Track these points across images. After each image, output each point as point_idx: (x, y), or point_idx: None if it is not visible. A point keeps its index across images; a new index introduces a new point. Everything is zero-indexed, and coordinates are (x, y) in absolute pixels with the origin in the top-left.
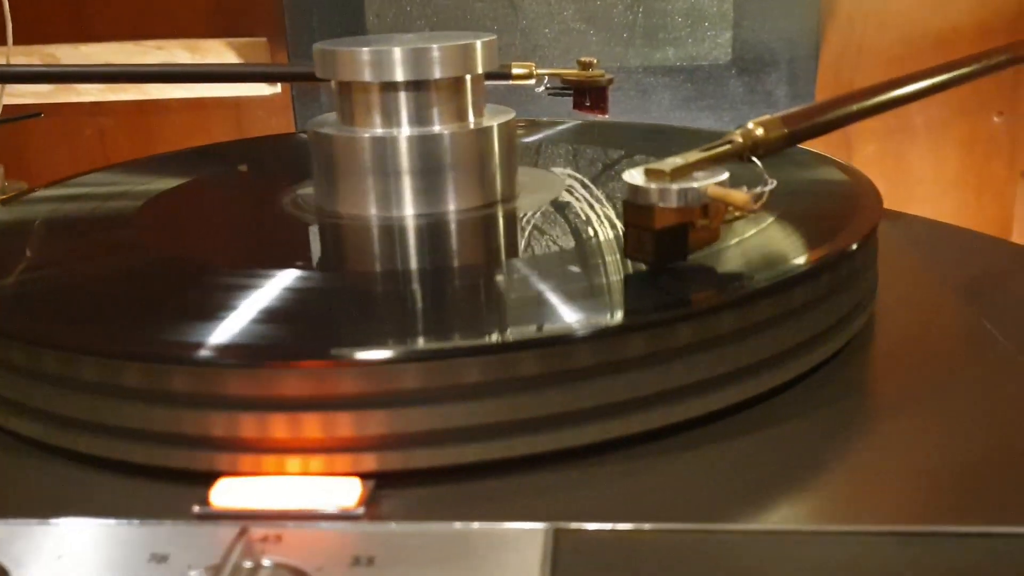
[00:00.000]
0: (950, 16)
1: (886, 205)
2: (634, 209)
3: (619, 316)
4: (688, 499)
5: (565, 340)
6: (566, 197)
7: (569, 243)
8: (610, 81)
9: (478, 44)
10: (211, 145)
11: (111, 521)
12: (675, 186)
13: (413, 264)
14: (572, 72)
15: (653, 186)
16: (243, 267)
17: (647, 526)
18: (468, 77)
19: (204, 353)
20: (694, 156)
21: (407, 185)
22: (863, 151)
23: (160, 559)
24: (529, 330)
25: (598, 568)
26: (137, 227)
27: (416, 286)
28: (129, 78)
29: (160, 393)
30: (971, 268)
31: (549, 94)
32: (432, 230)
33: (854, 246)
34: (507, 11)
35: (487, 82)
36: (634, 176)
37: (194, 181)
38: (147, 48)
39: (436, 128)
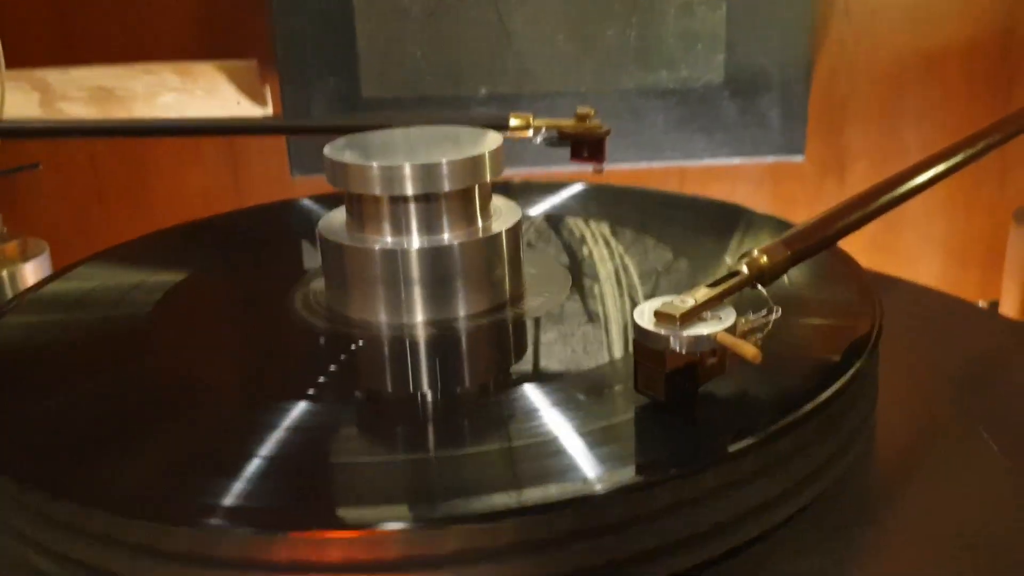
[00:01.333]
0: (939, 35)
1: (876, 228)
2: (645, 350)
3: (637, 474)
4: None
5: (584, 503)
6: (572, 295)
7: (578, 360)
8: (607, 132)
9: (487, 155)
10: (208, 220)
11: None
12: (685, 333)
13: (425, 396)
14: (569, 123)
15: (663, 332)
16: (262, 403)
17: None
18: (476, 186)
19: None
20: (703, 295)
21: (417, 294)
22: (854, 169)
23: None
24: (545, 492)
25: None
26: (151, 348)
27: (430, 433)
28: (127, 133)
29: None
30: (966, 353)
31: (546, 145)
32: (442, 344)
33: (855, 378)
34: (499, 35)
35: None
36: (644, 317)
37: (196, 276)
38: (136, 72)
39: (446, 238)
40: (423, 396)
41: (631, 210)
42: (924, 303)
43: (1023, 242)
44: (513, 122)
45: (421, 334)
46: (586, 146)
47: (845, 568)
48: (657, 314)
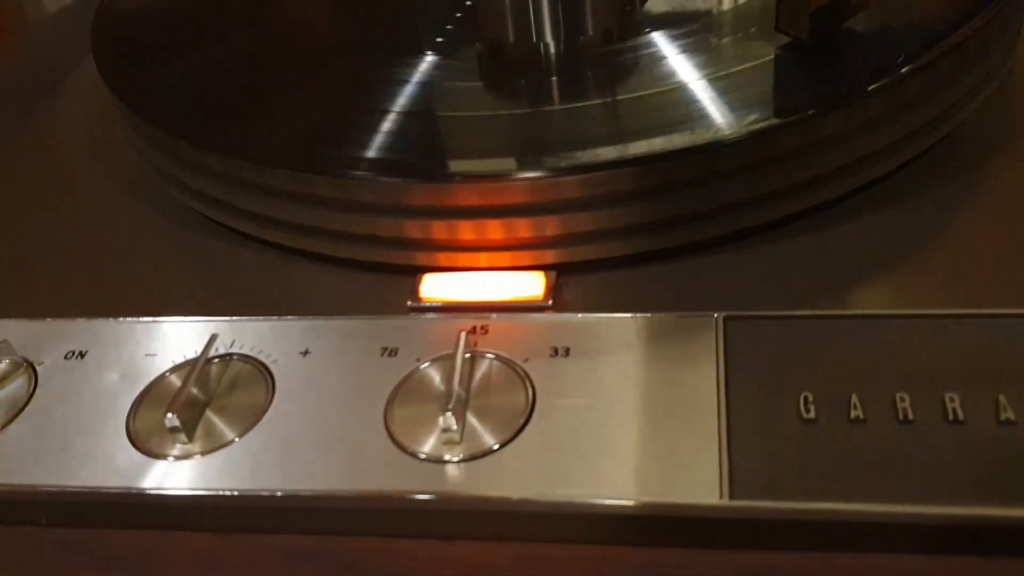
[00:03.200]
0: None
1: None
2: None
3: (772, 118)
4: (833, 275)
5: (717, 147)
6: None
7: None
8: None
9: None
10: None
11: (344, 320)
12: None
13: (554, 46)
14: None
15: None
16: (404, 56)
17: (801, 312)
18: None
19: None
20: None
21: None
22: None
23: (391, 352)
24: (685, 138)
25: (763, 347)
26: (281, 10)
27: (559, 80)
28: None
29: (372, 204)
30: None
31: None
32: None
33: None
34: None
35: None
36: None
37: None
38: None
39: None
40: (541, 48)
41: None
42: None
43: None
44: None
45: None
46: None
47: (976, 194)
48: None
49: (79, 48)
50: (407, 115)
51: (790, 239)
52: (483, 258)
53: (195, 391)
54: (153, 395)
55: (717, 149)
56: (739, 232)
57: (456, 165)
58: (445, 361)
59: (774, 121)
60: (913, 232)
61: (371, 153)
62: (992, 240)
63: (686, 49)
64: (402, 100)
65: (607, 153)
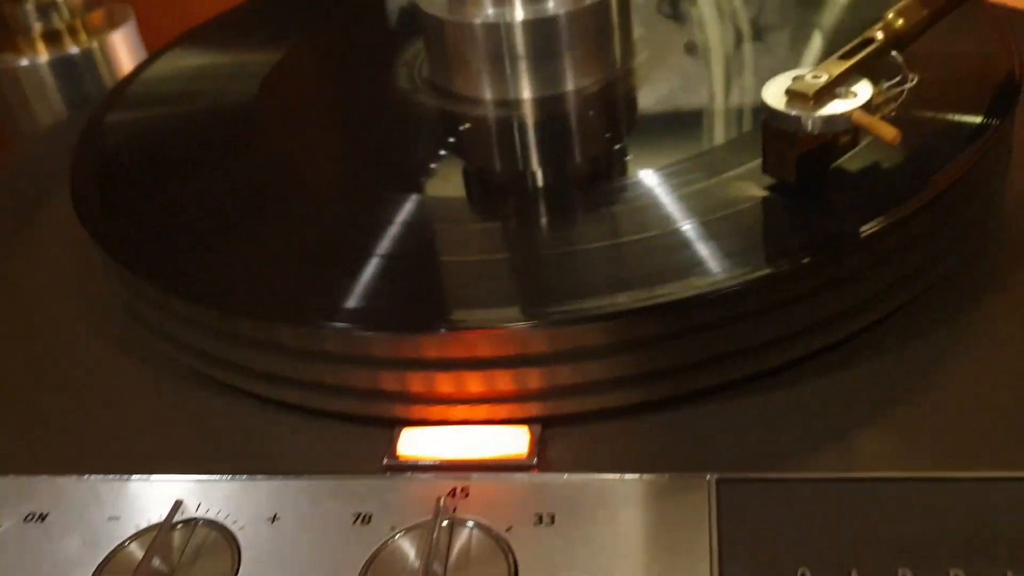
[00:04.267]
0: None
1: None
2: (774, 130)
3: (759, 268)
4: (824, 428)
5: (704, 300)
6: (690, 62)
7: (695, 140)
8: None
9: None
10: None
11: (315, 481)
12: (819, 113)
13: (539, 182)
14: None
15: (795, 112)
16: (387, 193)
17: (795, 475)
18: None
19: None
20: (836, 67)
21: (523, 68)
22: None
23: (365, 519)
24: (670, 290)
25: (758, 513)
26: (259, 139)
27: (544, 223)
28: None
29: (345, 355)
30: None
31: None
32: (552, 125)
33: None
34: None
35: None
36: (773, 95)
37: (295, 54)
38: None
39: (551, 6)
40: (531, 185)
41: None
42: None
43: None
44: None
45: (528, 113)
46: None
47: (958, 350)
48: (789, 93)
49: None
50: (383, 259)
51: (782, 389)
52: (463, 411)
53: (157, 562)
54: (113, 566)
55: (704, 301)
56: (730, 382)
57: (435, 315)
58: (422, 531)
59: (762, 272)
60: (906, 382)
61: (344, 301)
62: (987, 392)
63: (673, 189)
64: (378, 243)
65: (592, 305)
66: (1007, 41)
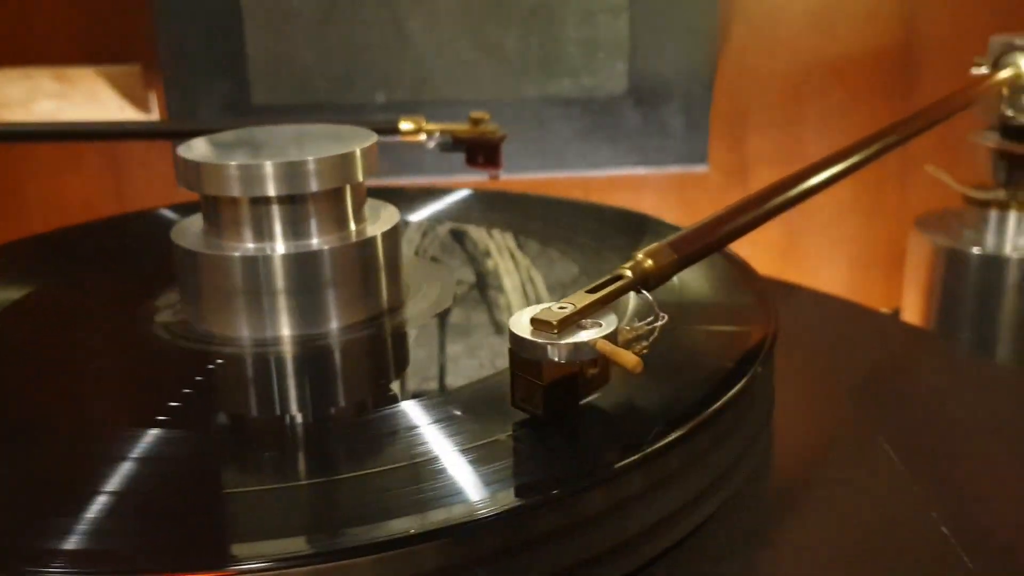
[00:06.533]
0: (840, 42)
1: (780, 235)
2: (521, 360)
3: (517, 496)
4: None
5: (454, 531)
6: (457, 305)
7: (457, 376)
8: (503, 138)
9: (357, 152)
10: (61, 231)
11: None
12: (563, 341)
13: (289, 419)
14: (463, 128)
15: (540, 340)
16: (124, 432)
17: None
18: (348, 186)
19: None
20: (582, 300)
21: (283, 305)
22: (758, 176)
23: None
24: (428, 520)
25: None
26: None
27: (298, 461)
28: (2, 138)
29: None
30: (866, 360)
31: (440, 151)
32: (308, 363)
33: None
34: (396, 41)
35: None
36: (519, 325)
37: (41, 292)
38: (12, 77)
39: (314, 243)
40: (286, 420)
41: (531, 219)
42: (824, 310)
43: (922, 250)
44: (404, 126)
45: (287, 350)
46: (481, 151)
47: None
48: (534, 321)
49: None
50: (118, 496)
51: None
52: None
53: None
54: None
55: (440, 542)
56: None
57: (166, 556)
58: None
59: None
60: None
61: (71, 543)
62: None
63: (432, 421)
64: (116, 479)
65: (343, 539)
66: (764, 296)
